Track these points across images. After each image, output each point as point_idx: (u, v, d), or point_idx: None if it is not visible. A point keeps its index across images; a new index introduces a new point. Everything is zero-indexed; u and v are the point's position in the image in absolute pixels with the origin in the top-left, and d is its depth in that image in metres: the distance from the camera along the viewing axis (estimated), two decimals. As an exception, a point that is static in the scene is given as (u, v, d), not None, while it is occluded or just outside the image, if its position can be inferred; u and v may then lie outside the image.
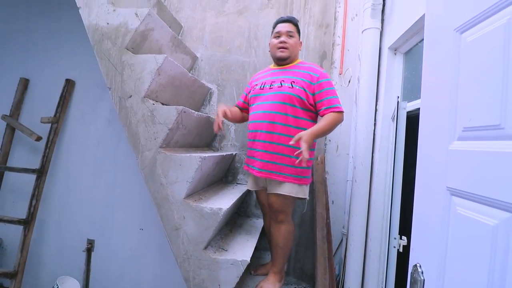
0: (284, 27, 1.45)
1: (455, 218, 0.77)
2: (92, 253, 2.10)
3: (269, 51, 1.56)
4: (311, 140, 1.24)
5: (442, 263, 0.79)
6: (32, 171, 2.10)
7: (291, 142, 1.22)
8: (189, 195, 1.40)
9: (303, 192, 1.42)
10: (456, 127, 0.78)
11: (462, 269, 0.72)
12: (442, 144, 0.82)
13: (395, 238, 1.17)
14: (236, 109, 1.65)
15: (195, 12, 2.09)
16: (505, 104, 0.62)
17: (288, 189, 1.38)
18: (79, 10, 1.43)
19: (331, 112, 1.34)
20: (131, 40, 1.40)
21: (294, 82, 1.39)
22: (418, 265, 0.88)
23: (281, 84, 1.41)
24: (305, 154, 1.16)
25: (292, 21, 1.47)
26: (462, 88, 0.76)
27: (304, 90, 1.37)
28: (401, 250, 1.15)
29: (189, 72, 1.96)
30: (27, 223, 2.02)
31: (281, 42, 1.43)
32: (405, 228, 1.24)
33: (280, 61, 1.49)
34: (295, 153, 1.20)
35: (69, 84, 2.25)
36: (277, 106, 1.38)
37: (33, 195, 2.06)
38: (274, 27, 1.52)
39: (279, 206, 1.41)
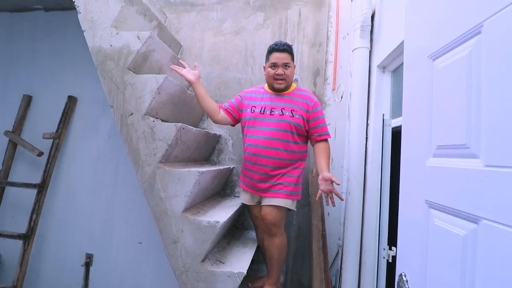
0: (280, 58, 1.48)
1: (433, 229, 0.83)
2: (91, 267, 2.12)
3: (264, 74, 1.61)
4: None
5: (423, 271, 0.84)
6: (33, 186, 2.14)
7: (318, 196, 1.46)
8: (187, 209, 1.45)
9: (294, 205, 1.54)
10: (431, 145, 0.85)
11: (440, 275, 0.78)
12: (420, 160, 0.89)
13: (384, 249, 1.21)
14: (214, 105, 1.61)
15: (194, 32, 2.19)
16: (469, 125, 0.70)
17: (282, 202, 1.47)
18: (84, 33, 1.52)
19: (323, 139, 1.55)
20: (133, 61, 1.48)
21: (293, 110, 1.50)
22: (403, 274, 0.93)
23: (282, 112, 1.50)
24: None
25: (288, 50, 1.50)
26: (436, 110, 0.84)
27: (302, 118, 1.50)
28: (390, 260, 1.19)
29: (188, 88, 2.05)
30: (27, 237, 2.05)
31: (278, 74, 1.49)
32: (395, 239, 1.29)
33: (277, 91, 1.56)
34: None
35: (71, 101, 2.32)
36: (280, 134, 1.48)
37: (33, 210, 2.10)
38: (269, 54, 1.52)
39: (272, 218, 1.46)
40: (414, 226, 0.90)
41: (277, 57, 1.48)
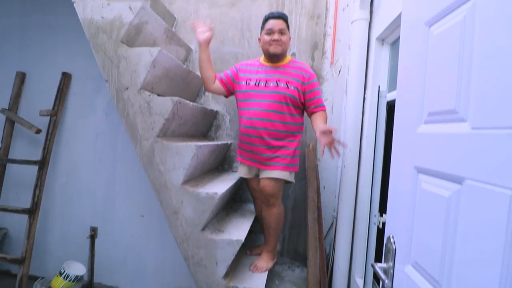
0: (276, 24, 1.47)
1: (420, 193, 0.87)
2: (96, 239, 2.20)
3: (259, 46, 1.60)
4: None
5: (410, 232, 0.90)
6: (34, 162, 2.17)
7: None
8: (186, 181, 1.48)
9: (291, 177, 1.58)
10: (423, 112, 0.87)
11: (424, 236, 0.82)
12: (412, 128, 0.91)
13: (375, 216, 1.27)
14: (213, 74, 1.62)
15: (188, 4, 2.12)
16: (459, 90, 0.71)
17: (280, 174, 1.51)
18: (74, 5, 1.47)
19: (320, 110, 1.55)
20: (126, 33, 1.45)
21: (288, 82, 1.50)
22: (391, 236, 0.99)
23: (277, 83, 1.51)
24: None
25: (283, 18, 1.50)
26: (429, 77, 0.85)
27: (297, 90, 1.50)
28: (380, 226, 1.25)
29: (184, 63, 2.02)
30: (32, 212, 2.11)
31: (274, 40, 1.47)
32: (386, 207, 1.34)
33: (273, 57, 1.54)
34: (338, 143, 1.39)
35: (66, 77, 2.29)
36: (276, 105, 1.49)
37: (36, 185, 2.14)
38: (264, 22, 1.53)
39: (271, 189, 1.51)
40: (403, 192, 0.94)
41: (272, 23, 1.48)
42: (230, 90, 1.65)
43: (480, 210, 0.60)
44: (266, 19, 1.52)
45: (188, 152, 1.42)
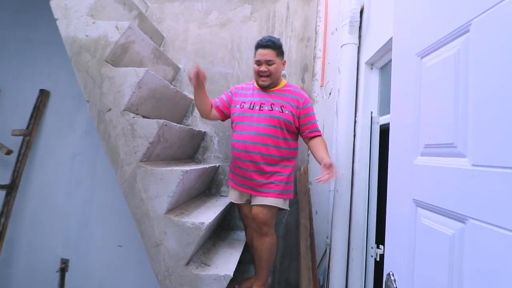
0: (263, 54, 1.44)
1: (420, 228, 0.81)
2: (67, 273, 1.99)
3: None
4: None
5: (411, 270, 0.83)
6: (1, 187, 1.98)
7: (320, 180, 1.31)
8: (170, 210, 1.37)
9: (286, 204, 1.50)
10: (419, 143, 0.83)
11: (428, 274, 0.76)
12: (408, 159, 0.87)
13: (372, 248, 1.20)
14: (209, 102, 1.60)
15: (178, 23, 2.09)
16: (456, 125, 0.68)
17: (274, 201, 1.43)
18: (57, 22, 1.40)
19: (316, 135, 1.52)
20: (111, 52, 1.38)
21: (283, 106, 1.47)
22: (391, 273, 0.92)
23: (271, 107, 1.48)
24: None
25: (271, 46, 1.45)
26: (424, 109, 0.82)
27: (292, 114, 1.47)
28: (378, 259, 1.18)
29: (171, 83, 1.95)
30: (-6, 243, 1.90)
31: (261, 71, 1.46)
32: (383, 237, 1.28)
33: (264, 88, 1.53)
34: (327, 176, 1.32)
35: (44, 95, 2.17)
36: (270, 129, 1.45)
37: (1, 213, 1.94)
38: (255, 49, 1.50)
39: (264, 217, 1.42)
40: (401, 225, 0.88)
41: (260, 53, 1.46)
42: (226, 115, 1.63)
43: (486, 251, 0.56)
44: (256, 47, 1.49)
45: (173, 178, 1.32)
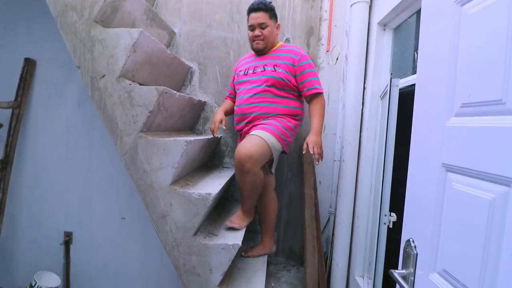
0: (256, 18, 1.43)
1: (450, 193, 0.77)
2: (71, 245, 1.99)
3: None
4: (319, 140, 1.39)
5: (435, 237, 0.80)
6: (-5, 161, 1.90)
7: (304, 152, 1.39)
8: (175, 181, 1.33)
9: (275, 145, 1.37)
10: (454, 103, 0.77)
11: (456, 243, 0.73)
12: (439, 121, 0.81)
13: (385, 215, 1.19)
14: (231, 105, 1.66)
15: (171, -18, 1.90)
16: (507, 79, 0.61)
17: (263, 133, 1.35)
18: (35, -25, 1.23)
19: (312, 93, 1.44)
20: (100, 11, 1.24)
21: (276, 65, 1.45)
22: (411, 240, 0.90)
23: (264, 68, 1.48)
24: (319, 152, 1.37)
25: (263, 9, 1.43)
26: (461, 63, 0.74)
27: (286, 72, 1.43)
28: (391, 226, 1.18)
29: (167, 48, 1.82)
30: (-6, 218, 1.86)
31: (255, 36, 1.46)
32: (393, 204, 1.27)
33: (258, 52, 1.52)
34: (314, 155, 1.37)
35: (29, 64, 2.01)
36: (263, 89, 1.45)
37: (-2, 188, 1.88)
38: (247, 14, 1.48)
39: (246, 150, 1.28)
40: (426, 191, 0.84)
41: (252, 17, 1.45)
42: None
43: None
44: (248, 12, 1.48)
45: (177, 149, 1.26)
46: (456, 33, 0.76)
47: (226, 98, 1.74)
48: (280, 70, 1.43)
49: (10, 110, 1.96)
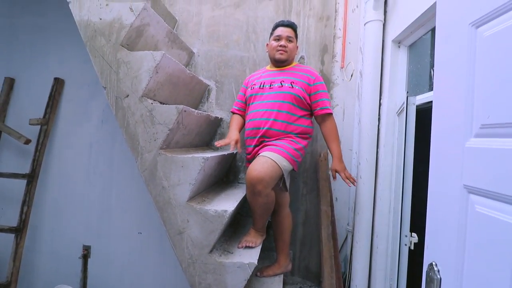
0: (284, 31, 1.52)
1: (473, 217, 0.75)
2: (89, 259, 2.03)
3: (266, 51, 1.64)
4: (344, 164, 1.47)
5: (460, 262, 0.77)
6: (22, 176, 2.00)
7: (334, 180, 1.51)
8: (192, 198, 1.35)
9: (286, 167, 1.37)
10: (472, 123, 0.75)
11: (483, 268, 0.70)
12: (458, 141, 0.80)
13: (406, 236, 1.15)
14: (242, 122, 1.66)
15: (190, 5, 2.01)
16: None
17: (274, 156, 1.34)
18: (69, 5, 1.34)
19: (326, 113, 1.49)
20: (126, 36, 1.32)
21: (293, 82, 1.48)
22: (434, 263, 0.87)
23: (281, 84, 1.50)
24: (349, 175, 1.44)
25: (292, 27, 1.55)
26: (479, 84, 0.74)
27: (303, 90, 1.47)
28: (412, 247, 1.14)
29: (186, 67, 1.89)
30: (18, 231, 1.94)
31: (281, 46, 1.51)
32: (414, 224, 1.23)
33: (278, 63, 1.56)
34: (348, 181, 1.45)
35: (58, 83, 2.14)
36: (279, 105, 1.46)
37: (24, 201, 1.97)
38: (274, 29, 1.57)
39: (258, 173, 1.27)
40: (448, 213, 0.82)
41: (281, 30, 1.53)
42: None
43: None
44: (275, 26, 1.57)
45: (195, 166, 1.29)
46: (472, 54, 0.76)
47: (233, 112, 1.69)
48: (297, 88, 1.46)
49: (38, 126, 2.09)
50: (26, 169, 2.05)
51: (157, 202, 1.31)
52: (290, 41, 1.53)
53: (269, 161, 1.32)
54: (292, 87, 1.47)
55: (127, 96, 1.31)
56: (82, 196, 2.10)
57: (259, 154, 1.41)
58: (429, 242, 0.91)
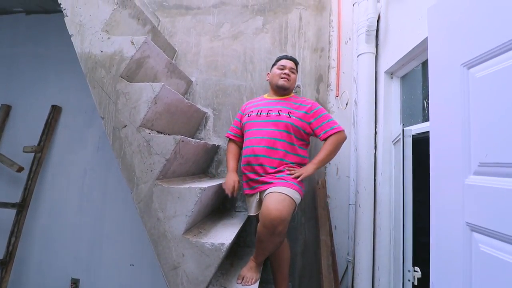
0: (288, 63, 1.59)
1: (478, 256, 0.73)
2: (77, 293, 1.93)
3: (267, 79, 1.67)
4: (311, 170, 1.42)
5: (470, 304, 0.75)
6: (12, 205, 1.94)
7: (291, 176, 1.40)
8: (187, 230, 1.31)
9: (298, 200, 1.36)
10: (471, 161, 0.76)
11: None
12: (458, 178, 0.80)
13: (409, 271, 1.12)
14: (239, 152, 1.66)
15: (190, 37, 2.08)
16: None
17: (288, 190, 1.32)
18: (71, 38, 1.38)
19: (333, 133, 1.45)
20: (126, 68, 1.35)
21: (290, 112, 1.50)
22: (444, 305, 0.83)
23: (278, 113, 1.51)
24: (294, 174, 1.39)
25: (295, 61, 1.62)
26: (475, 123, 0.75)
27: (301, 120, 1.48)
28: (415, 283, 1.10)
29: (184, 96, 1.92)
30: (4, 264, 1.84)
31: (284, 73, 1.56)
32: (415, 256, 1.20)
33: (279, 91, 1.58)
34: (290, 172, 1.41)
35: (55, 111, 2.15)
36: (277, 133, 1.47)
37: (12, 232, 1.90)
38: (277, 61, 1.63)
39: (278, 212, 1.22)
40: (452, 251, 0.80)
41: (285, 61, 1.60)
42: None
43: None
44: (279, 59, 1.63)
45: (191, 197, 1.26)
46: (466, 94, 0.78)
47: (229, 137, 1.68)
48: (294, 118, 1.47)
49: (32, 154, 2.06)
50: (17, 197, 1.99)
51: (151, 235, 1.27)
52: (293, 72, 1.59)
53: (287, 198, 1.29)
54: (290, 116, 1.47)
55: (125, 126, 1.31)
56: (73, 225, 2.03)
57: (267, 189, 1.37)
58: (435, 280, 0.89)
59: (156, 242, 1.27)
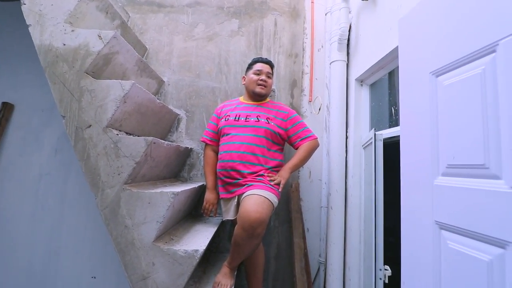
0: (265, 67, 1.57)
1: (447, 252, 0.78)
2: (28, 312, 1.72)
3: (243, 84, 1.64)
4: (287, 175, 1.44)
5: (439, 299, 0.79)
6: None
7: (272, 183, 1.40)
8: (158, 237, 1.23)
9: (275, 203, 1.36)
10: (439, 163, 0.81)
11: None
12: (427, 179, 0.85)
13: (380, 270, 1.16)
14: (215, 162, 1.59)
15: (162, 35, 2.00)
16: (487, 146, 0.66)
17: (266, 193, 1.31)
18: (29, 28, 1.25)
19: (307, 141, 1.51)
20: (93, 63, 1.25)
21: (269, 118, 1.51)
22: (414, 302, 0.87)
23: (257, 118, 1.51)
24: (275, 181, 1.39)
25: (271, 64, 1.61)
26: (443, 128, 0.81)
27: (278, 126, 1.51)
28: (386, 281, 1.14)
29: (155, 96, 1.83)
30: None
31: (262, 80, 1.55)
32: (385, 255, 1.25)
33: (256, 97, 1.58)
34: (271, 178, 1.41)
35: (6, 108, 1.92)
36: (255, 139, 1.47)
37: None
38: (253, 64, 1.60)
39: (257, 214, 1.20)
40: (422, 249, 0.85)
41: (261, 66, 1.57)
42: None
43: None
44: (255, 62, 1.60)
45: (163, 202, 1.20)
46: (434, 100, 0.84)
47: (206, 142, 1.63)
48: (272, 124, 1.49)
49: (-24, 156, 1.82)
50: (-46, 206, 1.73)
51: (118, 244, 1.18)
52: (269, 77, 1.58)
53: (266, 201, 1.27)
54: (268, 123, 1.49)
55: (89, 126, 1.21)
56: (25, 235, 1.82)
57: (246, 192, 1.34)
58: (405, 278, 0.93)
59: (123, 252, 1.18)
